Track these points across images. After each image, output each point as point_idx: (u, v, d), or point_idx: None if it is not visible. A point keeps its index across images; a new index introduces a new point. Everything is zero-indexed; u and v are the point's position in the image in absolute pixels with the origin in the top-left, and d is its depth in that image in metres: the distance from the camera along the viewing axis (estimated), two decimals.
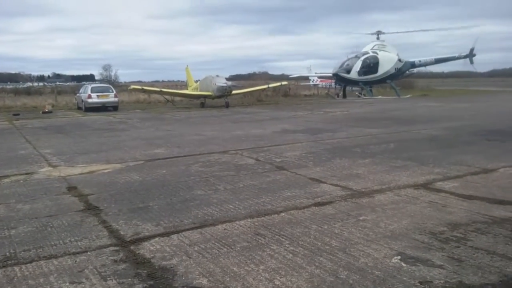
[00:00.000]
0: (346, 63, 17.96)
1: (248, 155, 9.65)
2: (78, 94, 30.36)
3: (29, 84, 75.31)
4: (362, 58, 17.74)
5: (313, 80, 46.49)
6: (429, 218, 5.02)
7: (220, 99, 30.01)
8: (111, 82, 59.71)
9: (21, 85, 71.08)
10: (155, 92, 32.41)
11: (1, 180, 7.74)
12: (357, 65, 17.64)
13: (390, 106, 26.40)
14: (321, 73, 43.34)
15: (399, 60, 19.12)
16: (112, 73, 68.93)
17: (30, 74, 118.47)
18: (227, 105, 29.13)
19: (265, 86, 36.52)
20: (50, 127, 17.62)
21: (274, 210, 5.52)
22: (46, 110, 26.85)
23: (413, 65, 21.07)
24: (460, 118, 17.12)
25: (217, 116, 22.43)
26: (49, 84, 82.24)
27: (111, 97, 27.70)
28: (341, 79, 17.75)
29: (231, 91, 29.70)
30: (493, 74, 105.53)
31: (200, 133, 14.44)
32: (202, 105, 30.41)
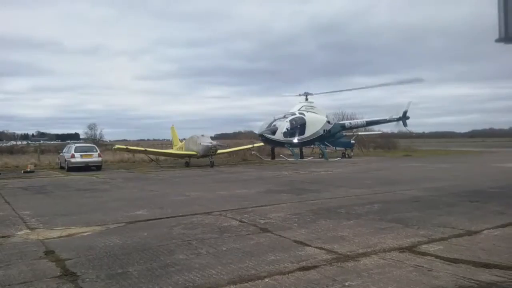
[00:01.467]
0: (272, 124, 17.55)
1: (232, 217, 9.53)
2: (61, 154, 30.13)
3: (13, 142, 74.70)
4: (289, 119, 17.43)
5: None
6: (415, 283, 4.94)
7: (205, 158, 30.04)
8: (96, 141, 59.59)
9: (4, 144, 70.42)
10: (140, 151, 32.39)
11: None
12: (283, 126, 17.26)
13: (373, 166, 26.70)
14: None
15: (328, 121, 18.91)
16: (97, 132, 68.97)
17: (14, 133, 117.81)
18: (212, 165, 29.13)
19: (250, 146, 36.80)
20: (31, 187, 17.29)
21: (257, 275, 5.38)
22: (28, 170, 26.46)
23: (343, 127, 21.07)
24: (443, 179, 17.35)
25: (201, 175, 22.35)
26: (33, 142, 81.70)
27: (94, 157, 27.52)
28: (266, 140, 17.26)
29: (216, 151, 29.81)
30: (473, 135, 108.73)
31: (184, 193, 14.30)
32: (187, 164, 30.36)
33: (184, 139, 32.44)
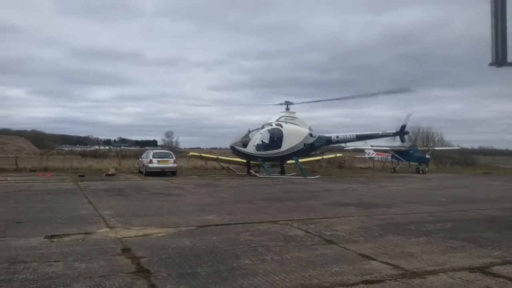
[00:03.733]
0: (245, 136, 15.14)
1: (298, 226, 9.63)
2: (140, 159, 31.90)
3: (96, 147, 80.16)
4: (262, 130, 14.98)
5: (369, 153, 46.05)
6: None
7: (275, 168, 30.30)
8: (172, 148, 62.17)
9: (89, 148, 75.79)
10: (212, 159, 33.39)
11: (62, 238, 8.21)
12: (256, 139, 14.78)
13: (448, 183, 25.50)
14: (377, 146, 42.94)
15: (311, 134, 16.00)
16: (174, 139, 71.98)
17: (98, 138, 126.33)
18: (281, 174, 29.32)
19: (320, 157, 36.62)
20: (111, 189, 18.51)
21: (320, 285, 5.45)
22: (110, 173, 28.32)
23: (329, 141, 17.74)
24: None
25: (270, 185, 22.61)
26: (115, 148, 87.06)
27: (170, 163, 28.86)
28: (237, 153, 15.06)
29: (286, 161, 29.99)
30: None
31: (252, 201, 14.61)
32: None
33: None
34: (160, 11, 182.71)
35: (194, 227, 9.52)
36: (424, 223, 10.31)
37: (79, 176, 26.93)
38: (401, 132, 17.72)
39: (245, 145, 14.48)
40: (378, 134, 18.14)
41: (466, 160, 52.27)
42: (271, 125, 14.97)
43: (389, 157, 40.07)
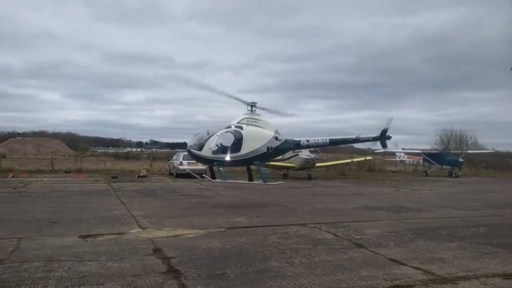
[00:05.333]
0: (203, 137, 13.74)
1: (326, 230, 9.60)
2: (170, 161, 32.38)
3: (129, 149, 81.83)
4: (220, 133, 13.67)
5: (400, 156, 45.29)
6: None
7: (303, 171, 30.27)
8: None
9: (121, 150, 77.43)
10: None
11: (96, 238, 8.45)
12: (212, 141, 13.43)
13: (482, 187, 24.82)
14: (408, 149, 42.16)
15: (276, 138, 14.56)
16: None
17: (130, 140, 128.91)
18: (309, 177, 29.27)
19: (349, 160, 36.29)
20: (143, 191, 18.88)
21: None
22: (141, 174, 28.86)
23: (297, 145, 16.07)
24: None
25: (298, 188, 22.57)
26: (146, 150, 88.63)
27: (200, 165, 29.07)
28: (193, 157, 13.88)
29: (314, 164, 29.93)
30: None
31: (280, 204, 14.63)
32: (285, 176, 30.82)
33: None
34: (189, 16, 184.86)
35: (223, 229, 9.62)
36: (456, 228, 10.09)
37: (112, 177, 27.55)
38: (382, 136, 16.26)
39: (200, 148, 13.44)
40: (352, 138, 16.66)
41: (500, 163, 50.60)
42: (230, 128, 13.94)
43: (421, 160, 39.31)
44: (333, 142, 16.59)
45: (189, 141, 14.86)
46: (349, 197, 17.57)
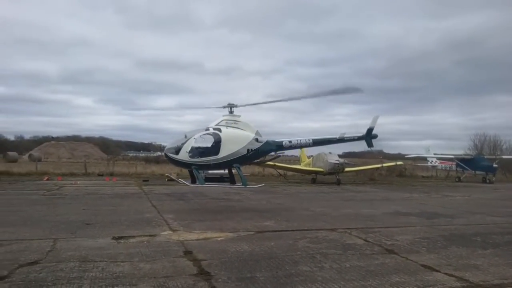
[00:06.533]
0: (180, 141, 13.19)
1: (356, 235, 9.50)
2: None
3: (159, 153, 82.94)
4: (197, 135, 13.11)
5: (432, 161, 44.32)
6: None
7: (332, 176, 30.05)
8: None
9: (152, 154, 78.70)
10: (269, 165, 33.53)
11: (128, 240, 8.62)
12: (188, 145, 12.88)
13: None
14: (441, 154, 41.23)
15: (256, 139, 13.88)
16: None
17: (161, 145, 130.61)
18: (338, 182, 29.01)
19: (379, 165, 35.78)
20: (173, 194, 19.15)
21: None
22: (172, 178, 29.23)
23: (279, 146, 15.32)
24: None
25: (327, 192, 22.41)
26: None
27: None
28: (171, 161, 13.35)
29: (343, 169, 29.67)
30: None
31: (309, 208, 14.57)
32: (313, 181, 30.66)
33: (312, 156, 32.85)
34: (219, 23, 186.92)
35: (253, 233, 9.66)
36: (491, 235, 9.82)
37: (143, 180, 28.02)
38: (368, 136, 15.61)
39: (177, 152, 13.18)
40: (336, 138, 16.03)
41: None
42: (208, 130, 13.63)
43: (454, 166, 38.38)
44: (317, 142, 16.01)
45: (167, 144, 14.52)
46: (379, 203, 17.33)
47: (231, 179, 15.05)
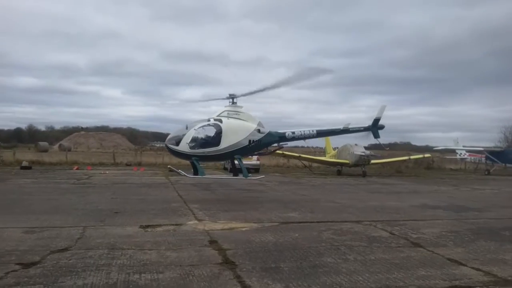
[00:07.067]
0: (181, 132, 12.82)
1: (382, 228, 9.43)
2: None
3: None
4: (197, 127, 12.68)
5: (461, 153, 43.37)
6: None
7: (357, 168, 29.79)
8: None
9: None
10: (294, 157, 33.48)
11: (155, 229, 8.80)
12: (189, 136, 12.47)
13: None
14: (470, 146, 40.30)
15: (258, 130, 13.34)
16: None
17: None
18: (364, 174, 28.75)
19: (406, 157, 35.23)
20: (199, 184, 19.36)
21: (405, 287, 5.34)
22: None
23: (282, 137, 14.73)
24: None
25: (353, 184, 22.25)
26: None
27: (254, 160, 29.42)
28: (171, 152, 13.01)
29: (369, 161, 29.35)
30: None
31: (334, 200, 14.52)
32: (339, 173, 30.47)
33: (337, 147, 32.62)
34: (245, 14, 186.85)
35: (277, 223, 9.71)
36: None
37: (170, 171, 28.38)
38: (374, 126, 15.00)
39: (177, 143, 13.03)
40: (340, 129, 15.47)
41: None
42: (209, 121, 13.39)
43: (483, 158, 37.48)
44: (321, 134, 15.62)
45: (168, 136, 14.44)
46: (405, 195, 17.12)
47: (234, 171, 14.94)
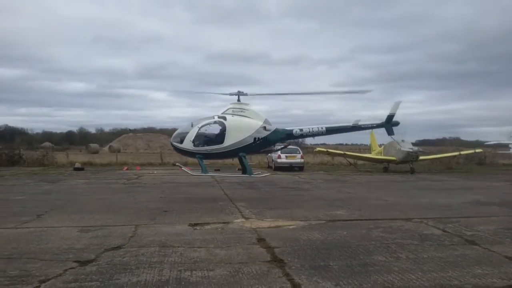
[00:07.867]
0: (186, 130, 12.22)
1: (434, 225, 9.15)
2: (269, 154, 32.96)
3: None
4: (201, 124, 12.01)
5: None
6: None
7: (405, 165, 29.03)
8: (299, 144, 62.86)
9: None
10: (339, 154, 33.10)
11: (204, 227, 8.96)
12: (192, 133, 11.82)
13: None
14: None
15: (264, 128, 12.46)
16: None
17: None
18: (412, 171, 27.98)
19: (456, 153, 34.03)
20: (244, 183, 19.54)
21: (461, 286, 5.15)
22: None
23: (289, 135, 13.71)
24: None
25: (400, 181, 21.73)
26: None
27: (298, 158, 29.44)
28: (175, 149, 12.39)
29: (417, 157, 28.54)
30: None
31: (382, 198, 14.23)
32: (385, 170, 29.83)
33: (383, 144, 31.95)
34: (286, 13, 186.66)
35: (324, 221, 9.63)
36: None
37: (215, 170, 28.77)
38: (388, 123, 14.08)
39: (181, 140, 12.77)
40: (349, 126, 14.57)
41: None
42: (213, 119, 13.01)
43: None
44: (330, 131, 14.99)
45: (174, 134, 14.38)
46: (457, 192, 16.52)
47: (242, 169, 14.82)
